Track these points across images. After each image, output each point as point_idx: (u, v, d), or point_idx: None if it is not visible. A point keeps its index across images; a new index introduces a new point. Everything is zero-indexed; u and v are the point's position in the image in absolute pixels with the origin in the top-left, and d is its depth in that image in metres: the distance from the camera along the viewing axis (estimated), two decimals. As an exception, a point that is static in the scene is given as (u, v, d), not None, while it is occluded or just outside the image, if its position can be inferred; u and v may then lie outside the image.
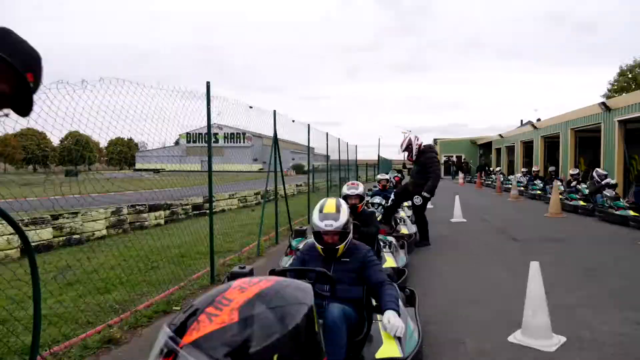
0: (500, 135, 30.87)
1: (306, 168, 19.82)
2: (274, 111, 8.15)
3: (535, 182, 17.67)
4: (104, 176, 6.66)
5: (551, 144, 23.69)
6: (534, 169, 19.26)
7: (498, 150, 32.98)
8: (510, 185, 21.29)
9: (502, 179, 21.30)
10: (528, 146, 26.45)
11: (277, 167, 8.36)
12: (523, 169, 21.22)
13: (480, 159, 39.19)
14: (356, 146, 21.46)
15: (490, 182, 25.30)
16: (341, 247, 2.92)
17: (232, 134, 71.08)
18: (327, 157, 15.93)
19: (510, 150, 29.92)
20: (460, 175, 29.83)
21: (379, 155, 37.86)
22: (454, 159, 40.29)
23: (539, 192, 16.49)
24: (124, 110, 4.12)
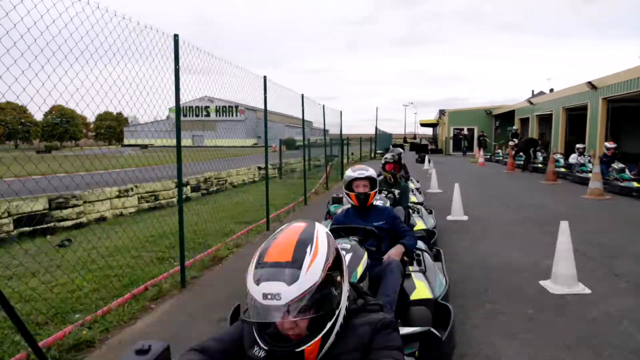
0: (529, 101, 23.81)
1: (299, 143, 17.89)
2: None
3: (616, 167, 10.93)
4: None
5: (615, 110, 16.80)
6: (607, 145, 12.44)
7: (524, 121, 26.01)
8: (561, 168, 14.52)
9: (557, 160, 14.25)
10: (574, 115, 19.62)
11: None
12: (579, 146, 14.43)
13: (495, 131, 32.24)
14: (340, 112, 14.67)
15: (539, 166, 16.64)
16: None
17: (224, 107, 64.79)
18: (325, 130, 12.44)
19: (544, 121, 22.99)
20: (480, 152, 22.80)
21: (376, 128, 30.80)
22: (465, 132, 33.27)
23: (636, 184, 9.76)
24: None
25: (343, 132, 16.39)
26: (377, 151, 29.54)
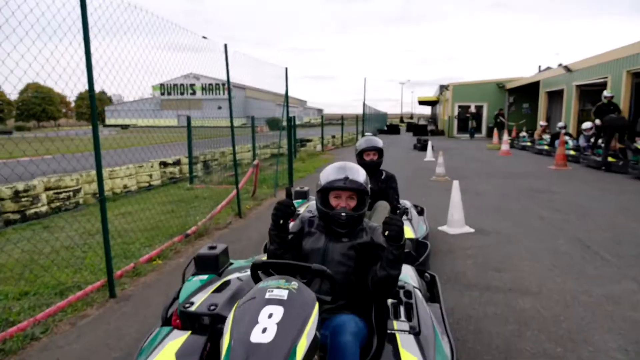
0: (565, 67, 17.46)
1: (284, 123, 13.61)
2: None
3: None
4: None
5: None
6: None
7: (553, 95, 19.75)
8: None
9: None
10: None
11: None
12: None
13: (509, 109, 25.93)
14: (286, 69, 8.37)
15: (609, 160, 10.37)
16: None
17: (210, 84, 58.52)
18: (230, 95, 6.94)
19: (587, 94, 16.75)
20: (504, 137, 16.43)
21: (364, 104, 24.12)
22: (473, 109, 26.95)
23: None
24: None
25: (337, 112, 10.26)
26: (366, 133, 23.42)
